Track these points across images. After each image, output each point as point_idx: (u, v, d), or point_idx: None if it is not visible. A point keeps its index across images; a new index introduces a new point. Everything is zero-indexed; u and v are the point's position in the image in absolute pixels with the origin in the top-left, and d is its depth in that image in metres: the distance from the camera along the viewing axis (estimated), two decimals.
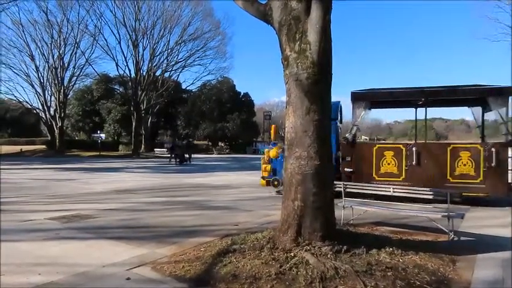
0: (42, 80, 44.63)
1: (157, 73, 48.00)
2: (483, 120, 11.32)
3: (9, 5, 31.08)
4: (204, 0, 45.95)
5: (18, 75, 43.73)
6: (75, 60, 45.14)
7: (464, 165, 9.71)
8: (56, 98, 44.43)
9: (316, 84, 4.84)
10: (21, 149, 45.12)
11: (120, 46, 44.49)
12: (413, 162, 10.02)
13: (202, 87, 54.86)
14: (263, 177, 12.00)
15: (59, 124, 44.15)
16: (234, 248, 5.02)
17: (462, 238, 6.22)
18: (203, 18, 46.84)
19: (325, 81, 4.97)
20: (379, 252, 4.79)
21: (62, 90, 44.26)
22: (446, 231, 6.14)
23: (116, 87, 53.25)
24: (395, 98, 11.72)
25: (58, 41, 43.31)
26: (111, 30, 42.57)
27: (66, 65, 44.80)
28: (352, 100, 10.79)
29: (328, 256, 4.47)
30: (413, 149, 10.11)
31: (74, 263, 4.80)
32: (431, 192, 6.71)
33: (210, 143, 58.37)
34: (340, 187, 7.11)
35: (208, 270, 4.42)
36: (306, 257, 4.41)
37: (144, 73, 45.97)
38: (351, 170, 10.59)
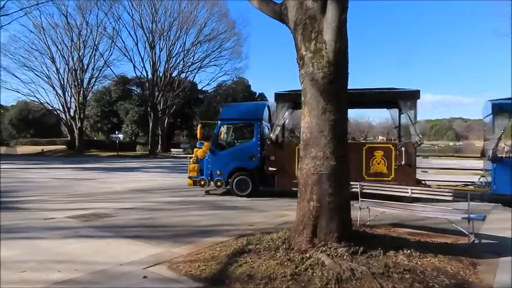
0: (62, 82, 45.71)
1: (174, 74, 48.46)
2: (399, 121, 11.51)
3: (31, 9, 31.92)
4: (219, 0, 46.13)
5: (39, 77, 44.94)
6: (94, 62, 46.09)
7: (378, 163, 10.40)
8: (75, 100, 45.44)
9: (332, 84, 4.79)
10: (42, 149, 46.33)
11: (138, 48, 45.22)
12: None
13: (217, 87, 55.08)
14: (190, 177, 11.80)
15: (79, 125, 45.14)
16: (249, 248, 5.03)
17: (483, 241, 6.06)
18: (219, 19, 47.06)
19: (341, 81, 4.92)
20: (396, 254, 4.71)
21: (81, 92, 45.24)
22: (467, 233, 5.98)
23: (133, 88, 54.05)
24: None
25: (78, 43, 44.30)
26: (129, 32, 43.29)
27: (85, 67, 45.78)
28: (276, 100, 11.16)
29: (344, 257, 4.43)
30: None
31: (92, 260, 4.90)
32: (450, 193, 6.56)
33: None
34: (357, 188, 7.03)
35: (224, 270, 4.43)
36: (322, 258, 4.38)
37: (161, 74, 46.50)
38: (275, 169, 10.87)
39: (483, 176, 10.85)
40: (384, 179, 10.27)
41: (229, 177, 11.41)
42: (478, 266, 4.72)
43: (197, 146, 12.29)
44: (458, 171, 12.43)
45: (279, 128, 11.09)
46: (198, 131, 13.07)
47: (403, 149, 10.19)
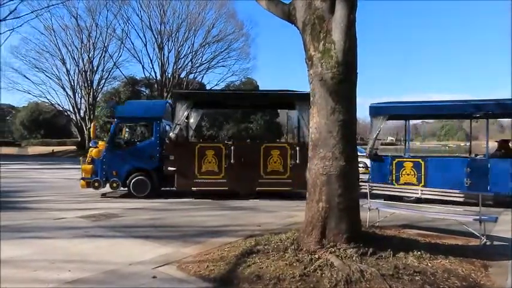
0: (72, 83, 46.21)
1: (182, 75, 48.67)
2: (299, 122, 11.63)
3: (42, 11, 32.37)
4: (227, 0, 46.23)
5: (50, 78, 45.47)
6: (104, 63, 46.50)
7: (275, 162, 10.77)
8: (85, 101, 45.93)
9: (341, 84, 4.77)
10: (52, 150, 46.87)
11: (146, 49, 45.24)
12: (232, 161, 10.66)
13: (225, 88, 55.17)
14: (83, 179, 10.94)
15: (89, 126, 45.56)
16: (257, 249, 5.02)
17: (495, 242, 5.97)
18: (227, 20, 47.12)
19: (350, 81, 4.90)
20: (406, 255, 4.66)
21: (91, 93, 45.71)
22: (478, 235, 5.90)
23: (142, 89, 54.39)
24: (215, 99, 12.92)
25: (87, 45, 44.74)
26: (138, 34, 43.50)
27: (95, 68, 46.21)
28: (175, 99, 11.16)
29: (354, 259, 4.40)
30: (232, 148, 10.75)
31: (102, 260, 4.94)
32: (461, 195, 6.48)
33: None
34: (366, 188, 6.98)
35: (232, 271, 4.43)
36: (331, 259, 4.36)
37: (169, 75, 46.74)
38: (174, 169, 10.70)
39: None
40: (280, 177, 10.72)
41: (127, 178, 10.91)
42: (490, 268, 4.65)
43: (91, 145, 11.76)
44: None
45: (178, 127, 10.93)
46: (92, 130, 12.43)
47: (297, 148, 10.66)
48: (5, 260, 4.90)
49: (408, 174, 10.57)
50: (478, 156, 11.37)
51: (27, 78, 43.95)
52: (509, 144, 11.22)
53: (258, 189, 10.85)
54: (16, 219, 7.59)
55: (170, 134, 10.96)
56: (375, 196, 7.28)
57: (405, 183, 10.39)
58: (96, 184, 10.83)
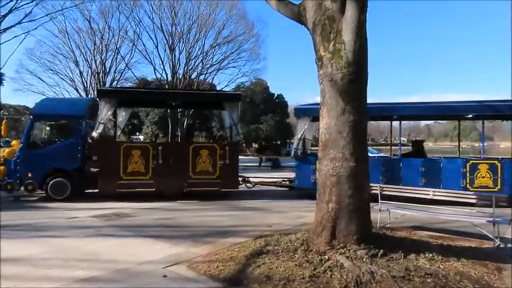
0: (85, 85, 46.74)
1: (193, 76, 48.78)
2: (229, 122, 11.55)
3: (56, 14, 32.90)
4: (238, 0, 46.30)
5: (63, 80, 46.03)
6: (116, 65, 46.89)
7: (204, 162, 10.65)
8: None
9: (352, 84, 4.75)
10: None
11: (158, 50, 45.39)
12: (160, 161, 10.46)
13: (236, 89, 55.25)
14: None
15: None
16: (267, 249, 5.02)
17: (509, 245, 5.87)
18: (237, 21, 47.08)
19: (360, 81, 4.87)
20: (417, 257, 4.62)
21: None
22: (492, 237, 5.80)
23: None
24: (144, 98, 12.76)
25: (100, 47, 45.22)
26: (149, 36, 43.61)
27: (107, 69, 46.68)
28: (99, 97, 10.93)
29: (364, 260, 4.37)
30: (159, 148, 10.63)
31: (114, 259, 5.01)
32: (474, 196, 6.39)
33: (244, 144, 58.72)
34: (377, 189, 6.93)
35: (242, 271, 4.44)
36: (341, 260, 4.34)
37: (180, 76, 46.91)
38: (97, 170, 10.31)
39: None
40: (209, 177, 10.64)
41: (44, 179, 10.20)
42: (504, 271, 4.57)
43: (2, 144, 11.26)
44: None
45: (102, 126, 10.45)
46: (3, 128, 10.97)
47: (227, 148, 10.75)
48: (18, 258, 5.01)
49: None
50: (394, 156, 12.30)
51: (42, 80, 44.71)
52: (423, 144, 12.72)
53: (187, 190, 10.68)
54: (29, 218, 7.74)
55: (93, 134, 10.44)
56: (386, 198, 7.21)
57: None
58: (9, 187, 10.06)
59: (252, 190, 12.30)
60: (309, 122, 11.04)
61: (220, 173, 10.65)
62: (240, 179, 11.68)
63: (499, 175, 9.74)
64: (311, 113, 10.74)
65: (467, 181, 9.89)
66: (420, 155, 11.50)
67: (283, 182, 12.44)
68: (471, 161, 10.14)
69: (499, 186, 9.69)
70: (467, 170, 9.95)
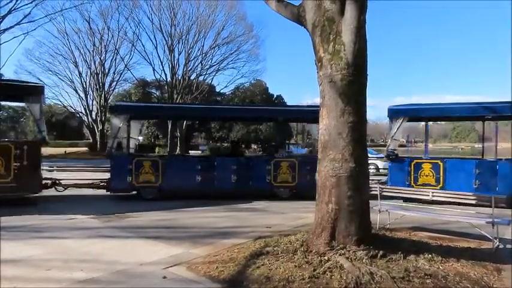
0: (84, 86, 46.89)
1: (192, 77, 48.91)
2: (31, 118, 10.86)
3: (55, 15, 32.90)
4: (237, 0, 46.35)
5: (63, 81, 46.19)
6: (115, 66, 47.10)
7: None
8: (97, 102, 46.55)
9: (351, 85, 4.76)
10: (65, 151, 47.53)
11: (157, 51, 45.81)
12: None
13: (235, 90, 55.27)
14: None
15: (100, 127, 46.17)
16: (267, 250, 5.03)
17: (508, 246, 5.89)
18: (236, 22, 47.24)
19: (360, 82, 4.89)
20: (417, 258, 4.62)
21: (102, 95, 46.33)
22: (491, 238, 5.81)
23: (152, 91, 54.86)
24: None
25: (99, 48, 45.38)
26: (148, 36, 43.95)
27: (106, 70, 46.85)
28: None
29: (364, 261, 4.38)
30: None
31: (114, 260, 5.00)
32: (474, 197, 6.41)
33: (243, 145, 58.72)
34: (376, 190, 6.94)
35: (242, 272, 4.45)
36: (340, 261, 4.34)
37: (180, 77, 47.04)
38: None
39: None
40: (1, 180, 9.04)
41: None
42: (503, 271, 4.58)
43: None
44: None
45: None
46: None
47: (25, 147, 9.29)
48: (18, 259, 5.00)
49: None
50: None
51: (40, 80, 44.70)
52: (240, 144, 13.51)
53: None
54: (31, 219, 7.73)
55: None
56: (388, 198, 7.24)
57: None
58: None
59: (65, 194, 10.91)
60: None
61: (15, 176, 9.11)
62: (49, 182, 10.51)
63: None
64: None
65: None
66: (235, 153, 12.63)
67: (101, 184, 11.08)
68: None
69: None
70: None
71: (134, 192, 10.83)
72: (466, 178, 10.03)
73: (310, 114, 11.05)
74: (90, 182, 11.31)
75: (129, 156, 10.79)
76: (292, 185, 11.22)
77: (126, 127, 10.97)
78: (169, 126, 44.70)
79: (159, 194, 10.78)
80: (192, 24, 45.26)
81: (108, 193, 10.81)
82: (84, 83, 46.70)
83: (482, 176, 9.90)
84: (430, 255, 4.71)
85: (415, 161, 10.85)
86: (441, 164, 10.44)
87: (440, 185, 10.24)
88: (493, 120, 10.89)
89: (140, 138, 46.80)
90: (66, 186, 10.92)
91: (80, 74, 46.26)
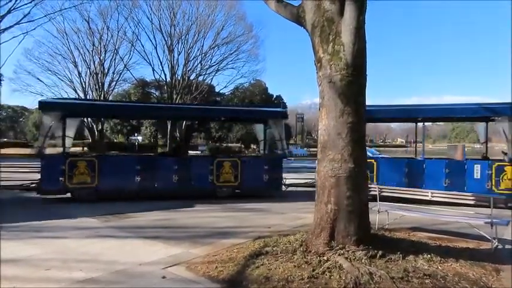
0: (84, 85, 46.79)
1: (192, 77, 48.87)
2: None
3: (55, 14, 32.84)
4: (237, 0, 46.34)
5: (62, 80, 46.09)
6: (115, 65, 46.97)
7: None
8: None
9: (350, 86, 4.77)
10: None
11: (156, 51, 45.51)
12: None
13: (235, 90, 55.26)
14: None
15: (99, 127, 46.13)
16: (266, 250, 5.03)
17: (507, 246, 5.89)
18: (236, 22, 47.19)
19: (359, 83, 4.89)
20: (416, 258, 4.63)
21: (102, 95, 46.25)
22: (490, 238, 5.82)
23: (152, 91, 54.88)
24: None
25: (99, 47, 45.27)
26: (148, 36, 43.84)
27: (106, 70, 46.73)
28: None
29: (363, 261, 4.39)
30: None
31: (113, 260, 5.00)
32: (473, 197, 6.41)
33: (242, 146, 58.74)
34: (375, 191, 6.95)
35: (241, 272, 4.45)
36: (340, 261, 4.35)
37: (179, 77, 46.99)
38: None
39: None
40: None
41: None
42: (502, 272, 4.59)
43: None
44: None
45: None
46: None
47: None
48: (18, 259, 5.01)
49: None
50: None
51: (40, 80, 44.66)
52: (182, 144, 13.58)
53: None
54: (28, 219, 7.72)
55: None
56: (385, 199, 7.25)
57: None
58: None
59: None
60: (57, 118, 10.25)
61: None
62: None
63: None
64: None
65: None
66: (177, 153, 12.84)
67: (32, 185, 10.61)
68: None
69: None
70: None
71: (68, 194, 10.30)
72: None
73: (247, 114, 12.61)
74: (20, 183, 11.01)
75: (62, 156, 10.35)
76: (234, 184, 11.37)
77: (60, 125, 10.54)
78: (169, 126, 44.69)
79: (96, 195, 10.29)
80: (191, 24, 45.20)
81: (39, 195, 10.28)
82: (83, 83, 46.60)
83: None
84: (429, 256, 4.72)
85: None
86: (375, 163, 11.17)
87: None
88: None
89: (139, 138, 46.83)
90: None
91: (79, 73, 46.15)
